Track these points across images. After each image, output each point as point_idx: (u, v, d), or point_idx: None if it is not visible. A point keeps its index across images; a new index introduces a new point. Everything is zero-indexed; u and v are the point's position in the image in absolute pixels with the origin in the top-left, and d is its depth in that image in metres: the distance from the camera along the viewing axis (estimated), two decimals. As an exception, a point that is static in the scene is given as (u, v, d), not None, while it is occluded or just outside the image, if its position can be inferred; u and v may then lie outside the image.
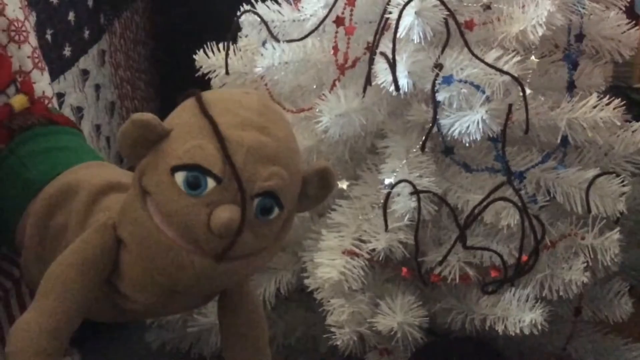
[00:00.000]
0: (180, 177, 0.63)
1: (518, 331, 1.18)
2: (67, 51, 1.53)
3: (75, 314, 0.67)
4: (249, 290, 0.76)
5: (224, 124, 0.63)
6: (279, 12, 1.24)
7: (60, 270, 0.68)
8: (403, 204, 1.16)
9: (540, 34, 1.13)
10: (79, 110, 1.58)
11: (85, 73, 1.62)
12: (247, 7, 1.25)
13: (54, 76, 1.40)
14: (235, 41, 1.29)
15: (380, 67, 1.14)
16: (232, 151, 0.62)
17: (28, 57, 0.97)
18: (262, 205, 0.63)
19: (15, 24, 0.95)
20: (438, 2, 1.10)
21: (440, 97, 1.14)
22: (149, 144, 0.64)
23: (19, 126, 0.87)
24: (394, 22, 1.12)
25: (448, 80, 1.13)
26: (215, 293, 0.75)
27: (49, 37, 1.46)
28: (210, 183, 0.62)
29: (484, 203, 1.16)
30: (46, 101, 0.98)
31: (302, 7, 1.24)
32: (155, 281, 0.67)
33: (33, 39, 0.98)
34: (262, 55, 1.21)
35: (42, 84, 0.98)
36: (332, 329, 1.19)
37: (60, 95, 1.49)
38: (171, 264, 0.64)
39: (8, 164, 0.84)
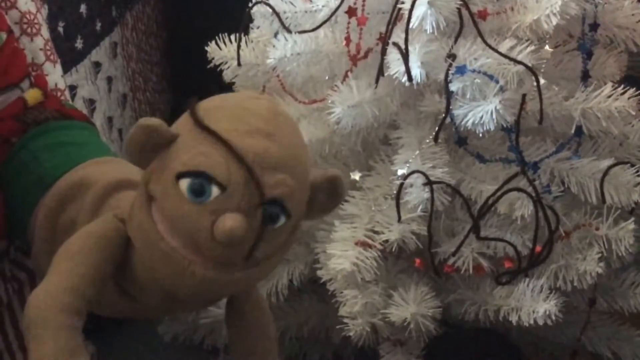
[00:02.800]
0: (184, 183, 0.62)
1: (532, 322, 1.17)
2: (79, 44, 1.53)
3: (92, 280, 0.67)
4: (257, 296, 0.75)
5: (228, 130, 0.62)
6: (291, 3, 1.24)
7: (79, 240, 0.68)
8: (416, 194, 1.15)
9: (554, 23, 1.12)
10: (91, 102, 1.59)
11: (97, 65, 1.62)
12: (259, -2, 1.25)
13: (66, 69, 1.41)
14: (247, 33, 1.28)
15: (393, 57, 1.14)
16: (237, 159, 0.61)
17: (40, 49, 0.96)
18: (269, 213, 0.62)
19: (27, 16, 0.95)
20: (451, -8, 1.09)
21: (453, 87, 1.13)
22: (156, 148, 0.64)
23: (33, 120, 0.87)
24: (406, 13, 1.11)
25: (461, 70, 1.12)
26: (219, 299, 0.75)
27: (60, 29, 1.46)
28: (215, 191, 0.61)
29: (498, 194, 1.16)
30: (59, 94, 0.98)
31: (314, -2, 1.24)
32: (157, 285, 0.67)
33: (45, 32, 0.98)
34: (274, 46, 1.21)
35: (55, 76, 0.98)
36: (345, 320, 1.19)
37: (72, 88, 1.50)
38: (172, 273, 0.64)
39: (20, 158, 0.84)
